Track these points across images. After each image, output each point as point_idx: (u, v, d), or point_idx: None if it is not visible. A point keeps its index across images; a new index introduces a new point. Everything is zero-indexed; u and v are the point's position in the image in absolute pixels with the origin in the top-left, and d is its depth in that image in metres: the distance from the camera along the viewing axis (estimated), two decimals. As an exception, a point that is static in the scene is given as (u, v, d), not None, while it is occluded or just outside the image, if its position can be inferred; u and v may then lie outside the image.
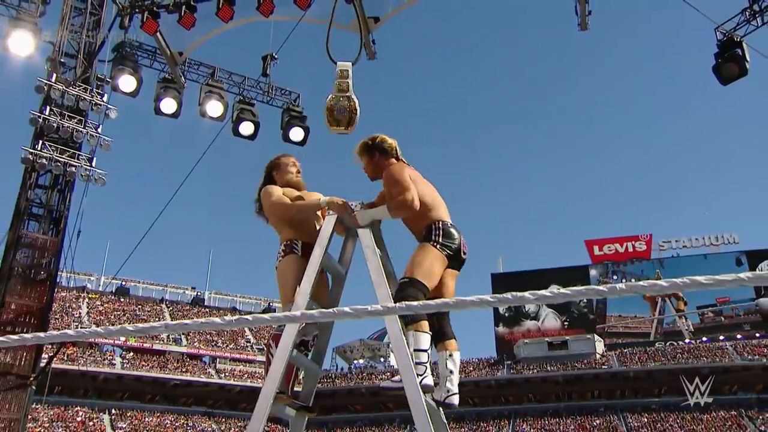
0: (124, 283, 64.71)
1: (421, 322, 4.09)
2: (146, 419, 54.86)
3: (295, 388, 4.54)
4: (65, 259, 16.63)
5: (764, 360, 56.28)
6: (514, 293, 1.69)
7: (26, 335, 2.09)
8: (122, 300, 64.14)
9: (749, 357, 57.43)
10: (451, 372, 4.15)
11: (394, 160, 4.62)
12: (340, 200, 4.33)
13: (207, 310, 67.56)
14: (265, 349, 4.46)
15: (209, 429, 56.26)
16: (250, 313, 68.33)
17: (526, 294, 1.76)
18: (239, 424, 57.24)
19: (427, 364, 4.04)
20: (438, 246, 4.31)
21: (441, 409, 4.23)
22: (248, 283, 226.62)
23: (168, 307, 65.96)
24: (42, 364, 15.48)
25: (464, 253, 4.51)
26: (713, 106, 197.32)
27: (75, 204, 17.02)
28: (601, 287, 1.65)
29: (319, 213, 4.55)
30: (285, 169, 4.96)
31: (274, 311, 66.74)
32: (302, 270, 4.34)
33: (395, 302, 3.94)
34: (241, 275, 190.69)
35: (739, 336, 61.09)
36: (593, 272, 66.30)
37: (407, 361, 3.87)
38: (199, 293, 69.06)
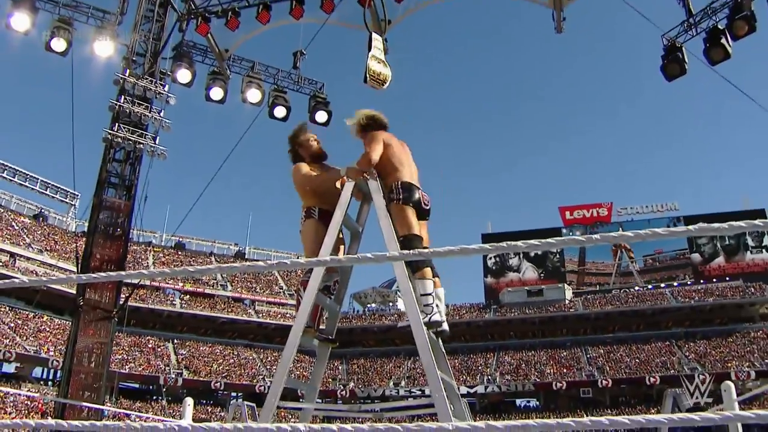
0: (180, 239, 65.17)
1: (424, 269, 4.09)
2: (201, 348, 55.56)
3: (320, 326, 4.55)
4: (135, 219, 16.82)
5: (692, 302, 58.17)
6: (508, 242, 1.72)
7: (112, 273, 2.12)
8: (179, 253, 64.39)
9: (682, 300, 58.82)
10: (438, 305, 4.13)
11: (376, 130, 4.58)
12: (356, 169, 4.30)
13: (248, 262, 67.83)
14: (296, 293, 4.47)
15: (250, 357, 56.79)
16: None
17: (519, 243, 1.78)
18: (274, 354, 57.76)
19: (434, 305, 4.03)
20: (401, 202, 4.28)
21: (440, 339, 4.23)
22: (282, 240, 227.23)
23: (216, 259, 66.26)
24: (121, 302, 15.65)
25: (425, 204, 4.45)
26: (662, 97, 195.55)
27: (143, 175, 17.17)
28: (578, 237, 1.69)
29: (338, 183, 4.50)
30: (307, 145, 4.94)
31: (303, 262, 67.95)
32: (319, 231, 4.36)
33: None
34: (276, 233, 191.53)
35: (675, 284, 62.49)
36: (565, 233, 66.40)
37: (413, 303, 3.86)
38: (241, 248, 69.30)
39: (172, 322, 55.62)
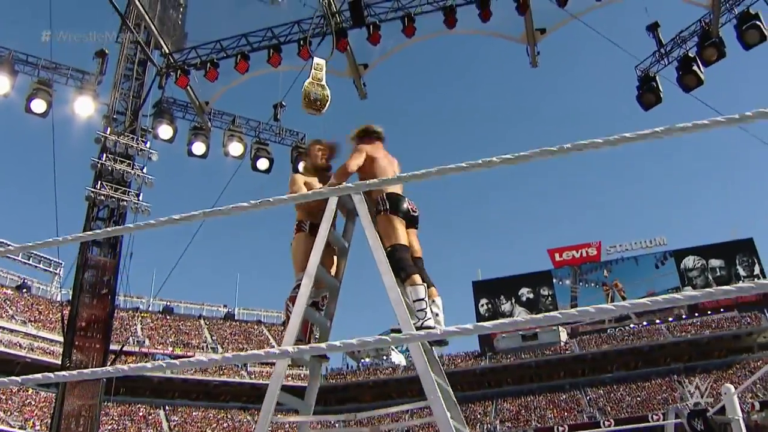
0: (168, 303, 64.71)
1: (413, 276, 4.13)
2: (193, 413, 54.74)
3: (311, 342, 4.55)
4: (121, 276, 16.77)
5: (688, 335, 58.39)
6: (546, 314, 1.71)
7: (86, 371, 2.14)
8: (168, 317, 63.89)
9: (678, 334, 58.96)
10: (437, 314, 4.16)
11: (366, 143, 4.69)
12: (335, 183, 4.37)
13: (237, 322, 67.38)
14: (284, 309, 4.48)
15: (245, 420, 55.98)
16: (273, 325, 68.38)
17: (556, 314, 1.79)
18: (269, 415, 56.93)
19: (427, 310, 4.06)
20: (388, 212, 4.34)
21: (434, 348, 4.25)
22: (271, 299, 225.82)
23: (205, 322, 65.68)
24: (108, 364, 15.52)
25: (413, 212, 4.52)
26: (641, 127, 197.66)
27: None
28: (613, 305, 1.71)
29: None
30: (314, 154, 5.08)
31: (294, 321, 67.27)
32: (309, 245, 4.39)
33: (392, 266, 4.00)
34: (264, 292, 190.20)
35: (670, 318, 62.29)
36: (555, 274, 66.62)
37: (403, 310, 3.90)
38: (230, 309, 68.85)
39: (163, 387, 54.83)
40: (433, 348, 4.24)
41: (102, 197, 16.64)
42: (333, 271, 4.63)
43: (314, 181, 4.91)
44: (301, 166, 5.17)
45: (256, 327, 67.43)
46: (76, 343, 14.83)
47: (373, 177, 4.46)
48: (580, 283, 65.90)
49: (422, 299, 4.07)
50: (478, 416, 55.44)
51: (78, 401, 14.38)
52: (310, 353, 3.42)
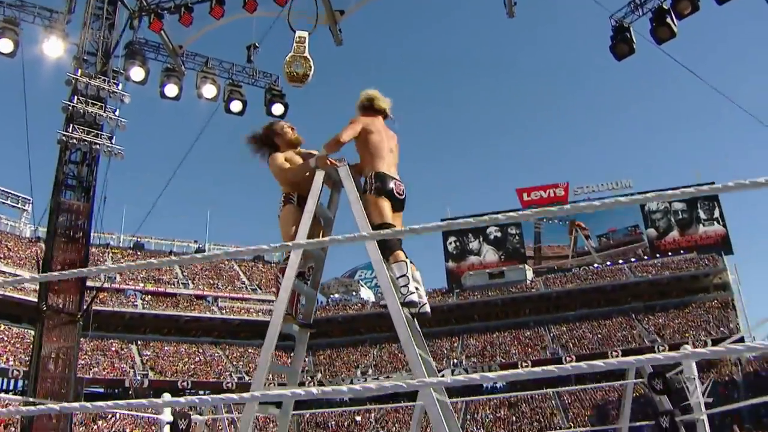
0: (139, 239, 64.32)
1: (397, 252, 4.24)
2: (165, 348, 55.11)
3: (299, 312, 4.67)
4: (95, 220, 16.67)
5: (649, 276, 59.98)
6: (490, 215, 1.86)
7: (73, 270, 2.23)
8: (138, 253, 63.63)
9: (640, 275, 60.46)
10: (417, 288, 4.27)
11: (368, 115, 4.72)
12: (324, 158, 4.41)
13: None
14: (275, 280, 4.59)
15: (216, 354, 56.57)
16: (244, 261, 68.52)
17: (499, 215, 1.93)
18: (240, 350, 57.71)
19: (410, 285, 4.17)
20: (374, 193, 4.42)
21: (415, 319, 4.37)
22: (242, 235, 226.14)
23: (176, 258, 65.52)
24: (85, 305, 15.55)
25: (399, 195, 4.55)
26: (609, 76, 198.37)
27: (101, 175, 17.03)
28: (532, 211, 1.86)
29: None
30: (282, 132, 5.04)
31: (263, 257, 66.26)
32: (297, 217, 4.46)
33: (378, 243, 4.10)
34: (235, 228, 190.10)
35: (633, 259, 64.05)
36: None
37: (388, 284, 4.02)
38: (200, 245, 68.71)
39: (135, 323, 55.05)
40: (414, 319, 4.36)
41: (74, 140, 16.35)
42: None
43: (293, 155, 4.92)
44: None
45: (226, 263, 67.47)
46: (53, 287, 14.77)
47: (367, 151, 4.53)
48: (544, 220, 66.57)
49: (405, 275, 4.19)
50: (445, 351, 56.64)
51: (56, 344, 14.44)
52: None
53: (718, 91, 14.82)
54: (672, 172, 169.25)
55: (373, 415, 48.92)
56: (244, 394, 2.32)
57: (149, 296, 58.21)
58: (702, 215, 63.27)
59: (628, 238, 65.68)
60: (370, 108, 4.76)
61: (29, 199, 60.59)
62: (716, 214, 62.99)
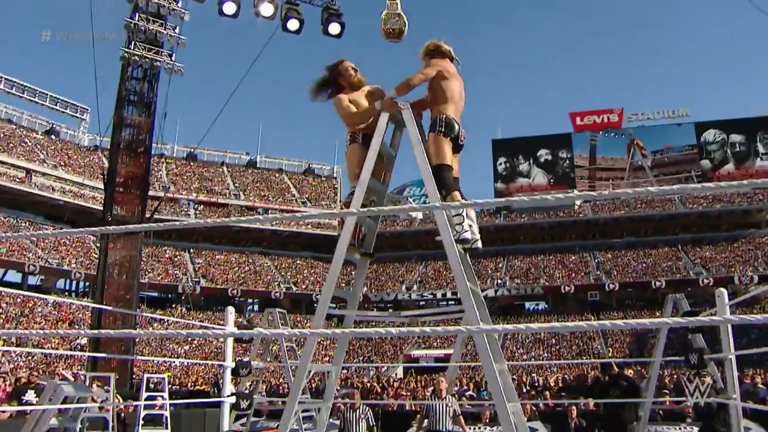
0: (192, 150, 65.31)
1: (454, 193, 4.55)
2: (216, 256, 57.09)
3: (361, 242, 4.99)
4: (156, 135, 17.23)
5: (699, 208, 59.07)
6: (541, 196, 2.09)
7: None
8: (192, 164, 64.92)
9: (690, 206, 59.54)
10: (470, 225, 4.57)
11: (437, 59, 4.92)
12: (391, 102, 4.66)
13: (259, 170, 68.57)
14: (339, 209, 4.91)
15: (265, 264, 58.27)
16: (294, 173, 69.37)
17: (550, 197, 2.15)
18: (288, 261, 59.33)
19: (464, 224, 4.48)
20: (441, 134, 4.66)
21: (467, 253, 4.68)
22: (292, 148, 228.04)
23: (228, 169, 66.71)
24: (147, 215, 16.26)
25: (461, 140, 4.80)
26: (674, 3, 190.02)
27: (161, 92, 17.48)
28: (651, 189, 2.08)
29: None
30: (347, 74, 5.21)
31: (314, 171, 67.05)
32: (362, 154, 4.75)
33: (436, 182, 4.40)
34: (286, 141, 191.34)
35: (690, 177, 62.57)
36: (575, 137, 66.21)
37: (444, 221, 4.32)
38: (252, 157, 69.63)
39: (188, 232, 56.69)
40: (467, 254, 4.67)
41: (136, 57, 16.78)
42: (381, 178, 5.03)
43: (359, 96, 5.13)
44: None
45: (277, 175, 68.42)
46: (117, 198, 15.48)
47: (441, 94, 4.77)
48: (600, 133, 65.55)
49: (460, 213, 4.50)
50: (489, 272, 57.26)
51: (121, 252, 15.25)
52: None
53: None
54: (733, 101, 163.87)
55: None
56: (305, 331, 2.65)
57: (202, 206, 59.77)
58: (761, 149, 61.29)
59: (682, 157, 63.77)
60: (437, 53, 4.94)
61: (87, 109, 62.02)
62: (776, 147, 61.04)
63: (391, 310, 60.17)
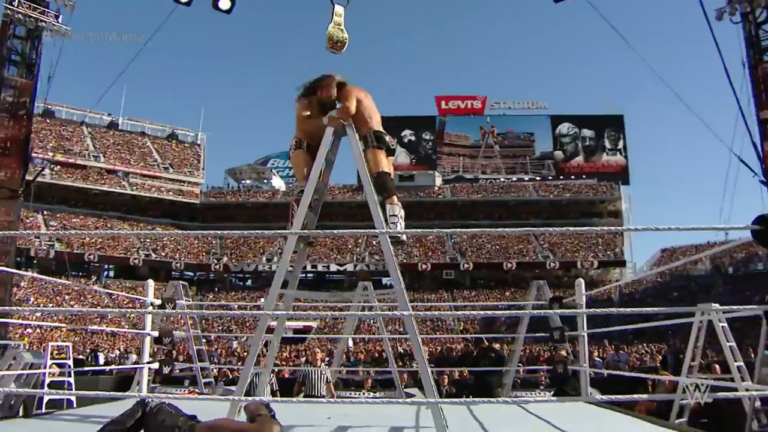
0: (49, 106, 61.57)
1: (393, 197, 5.48)
2: (72, 220, 54.73)
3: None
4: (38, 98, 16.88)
5: (551, 196, 63.93)
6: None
7: None
8: (48, 121, 61.39)
9: (542, 194, 64.25)
10: (400, 223, 5.51)
11: (348, 87, 5.72)
12: (336, 120, 5.49)
13: (121, 132, 66.05)
14: (290, 208, 5.69)
15: (123, 229, 56.65)
16: (157, 137, 67.56)
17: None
18: (148, 227, 57.98)
19: (399, 223, 5.42)
20: (375, 147, 5.51)
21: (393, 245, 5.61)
22: (156, 111, 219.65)
23: (88, 129, 63.74)
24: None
25: (392, 145, 5.71)
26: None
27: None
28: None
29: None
30: (329, 86, 5.69)
31: (177, 136, 65.33)
32: (307, 160, 5.60)
33: (376, 187, 5.31)
34: (149, 103, 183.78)
35: (537, 178, 67.51)
36: (439, 121, 69.30)
37: (381, 220, 5.23)
38: (114, 118, 66.81)
39: (42, 192, 53.99)
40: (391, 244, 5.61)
41: (19, 16, 16.34)
42: (323, 179, 5.84)
43: (314, 110, 5.89)
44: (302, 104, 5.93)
45: (139, 138, 66.27)
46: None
47: (364, 114, 5.60)
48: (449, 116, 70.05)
49: (396, 215, 5.45)
50: (350, 246, 58.64)
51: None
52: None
53: (619, 34, 15.99)
54: (585, 96, 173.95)
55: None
56: (259, 312, 3.38)
57: (58, 166, 57.00)
58: (607, 144, 66.90)
59: (519, 142, 68.99)
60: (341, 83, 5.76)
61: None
62: (620, 145, 66.78)
63: (250, 282, 60.63)
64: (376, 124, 5.66)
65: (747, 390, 6.54)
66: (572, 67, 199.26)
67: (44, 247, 48.89)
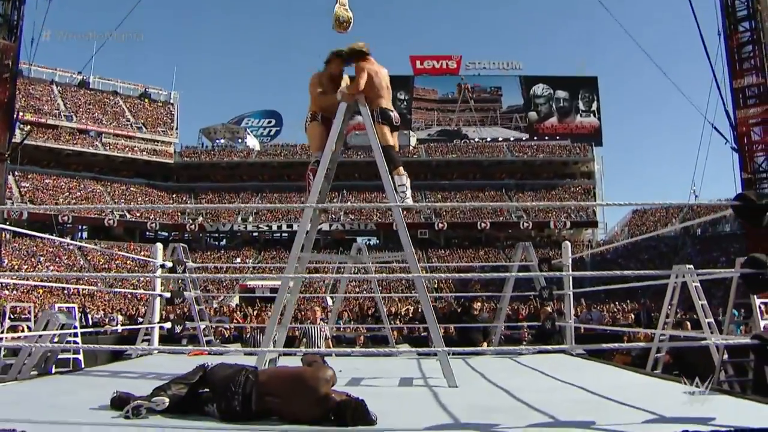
0: (20, 65, 60.50)
1: (399, 168, 5.97)
2: (45, 181, 54.36)
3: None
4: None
5: (524, 156, 64.81)
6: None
7: None
8: (17, 80, 60.21)
9: (516, 154, 65.21)
10: (407, 191, 6.02)
11: (362, 62, 6.15)
12: (348, 95, 5.93)
13: (92, 91, 65.17)
14: (306, 177, 6.13)
15: (97, 190, 56.41)
16: (129, 96, 66.86)
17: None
18: (122, 187, 57.88)
19: (407, 192, 5.92)
20: (381, 123, 5.99)
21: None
22: (127, 70, 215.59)
23: (58, 88, 62.72)
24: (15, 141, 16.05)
25: (396, 122, 6.13)
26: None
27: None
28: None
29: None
30: (338, 71, 6.33)
31: (150, 95, 64.70)
32: (322, 132, 6.07)
33: (385, 158, 5.79)
34: (121, 61, 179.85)
35: (511, 138, 68.27)
36: (415, 80, 69.67)
37: (391, 189, 5.73)
38: (84, 77, 65.44)
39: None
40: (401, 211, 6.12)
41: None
42: (336, 149, 6.31)
43: (329, 84, 6.33)
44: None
45: (111, 98, 65.44)
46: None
47: (373, 92, 6.04)
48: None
49: (404, 184, 5.95)
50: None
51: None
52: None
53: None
54: (559, 56, 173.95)
55: (250, 261, 51.45)
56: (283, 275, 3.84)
57: (28, 126, 56.10)
58: (581, 106, 67.76)
59: (487, 96, 70.03)
60: (358, 56, 6.18)
61: None
62: (594, 107, 67.68)
63: (224, 242, 60.92)
64: (385, 101, 6.11)
65: (717, 340, 7.24)
66: (550, 29, 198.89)
67: (16, 209, 48.41)
